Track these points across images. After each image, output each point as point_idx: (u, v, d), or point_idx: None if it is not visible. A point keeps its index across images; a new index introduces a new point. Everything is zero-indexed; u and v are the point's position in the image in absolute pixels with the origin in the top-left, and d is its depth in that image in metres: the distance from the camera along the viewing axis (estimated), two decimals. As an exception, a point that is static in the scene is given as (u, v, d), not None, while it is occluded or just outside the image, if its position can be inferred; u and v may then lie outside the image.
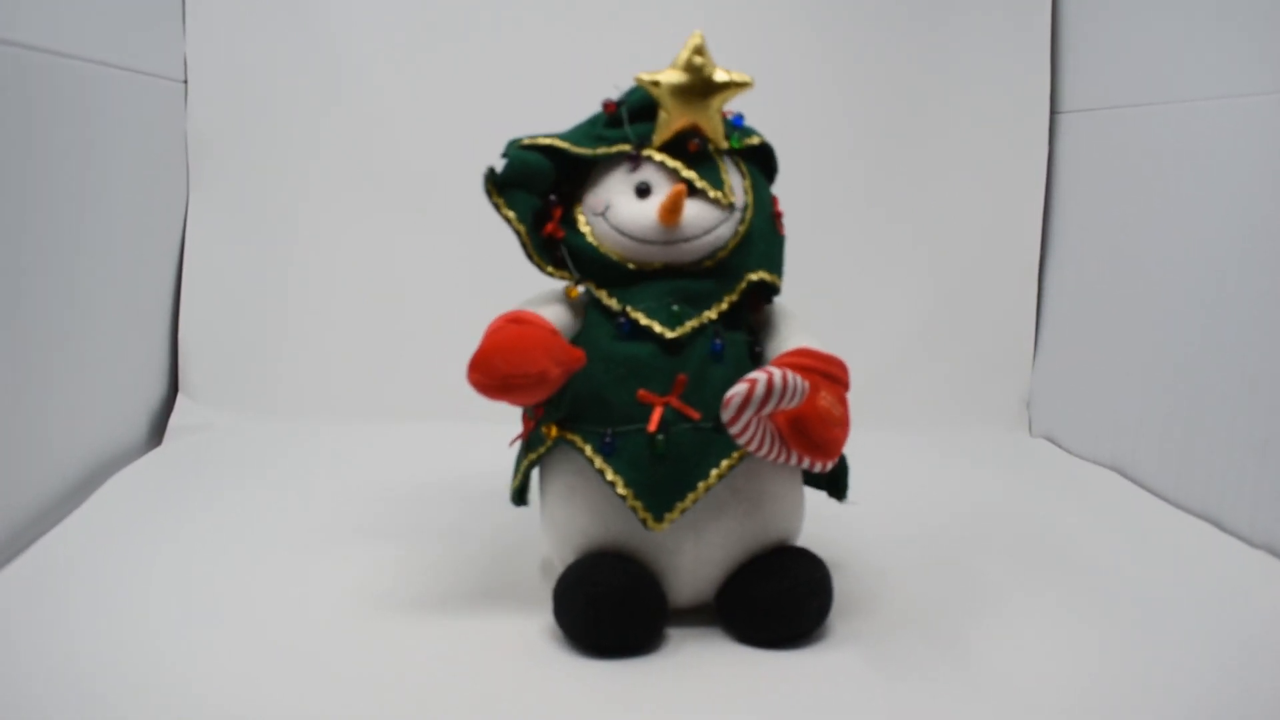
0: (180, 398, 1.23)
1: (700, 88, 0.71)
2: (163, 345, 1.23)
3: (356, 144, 1.28)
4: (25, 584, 0.78)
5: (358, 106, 1.27)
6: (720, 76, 0.71)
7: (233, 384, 1.24)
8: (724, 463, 0.69)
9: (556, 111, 0.81)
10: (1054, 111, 1.30)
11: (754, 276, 0.73)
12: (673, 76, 0.71)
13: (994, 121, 1.30)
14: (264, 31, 1.26)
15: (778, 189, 0.79)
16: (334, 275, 1.28)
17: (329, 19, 1.27)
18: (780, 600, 0.70)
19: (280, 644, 0.70)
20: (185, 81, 1.25)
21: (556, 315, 0.73)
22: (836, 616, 0.73)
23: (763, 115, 0.80)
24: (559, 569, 0.73)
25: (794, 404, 0.64)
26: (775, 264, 0.76)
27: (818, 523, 0.78)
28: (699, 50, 0.71)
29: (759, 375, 0.63)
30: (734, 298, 0.73)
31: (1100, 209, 1.21)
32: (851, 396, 0.71)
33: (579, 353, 0.68)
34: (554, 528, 0.74)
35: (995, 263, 1.32)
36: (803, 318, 0.77)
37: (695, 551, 0.71)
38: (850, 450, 0.72)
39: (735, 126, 0.77)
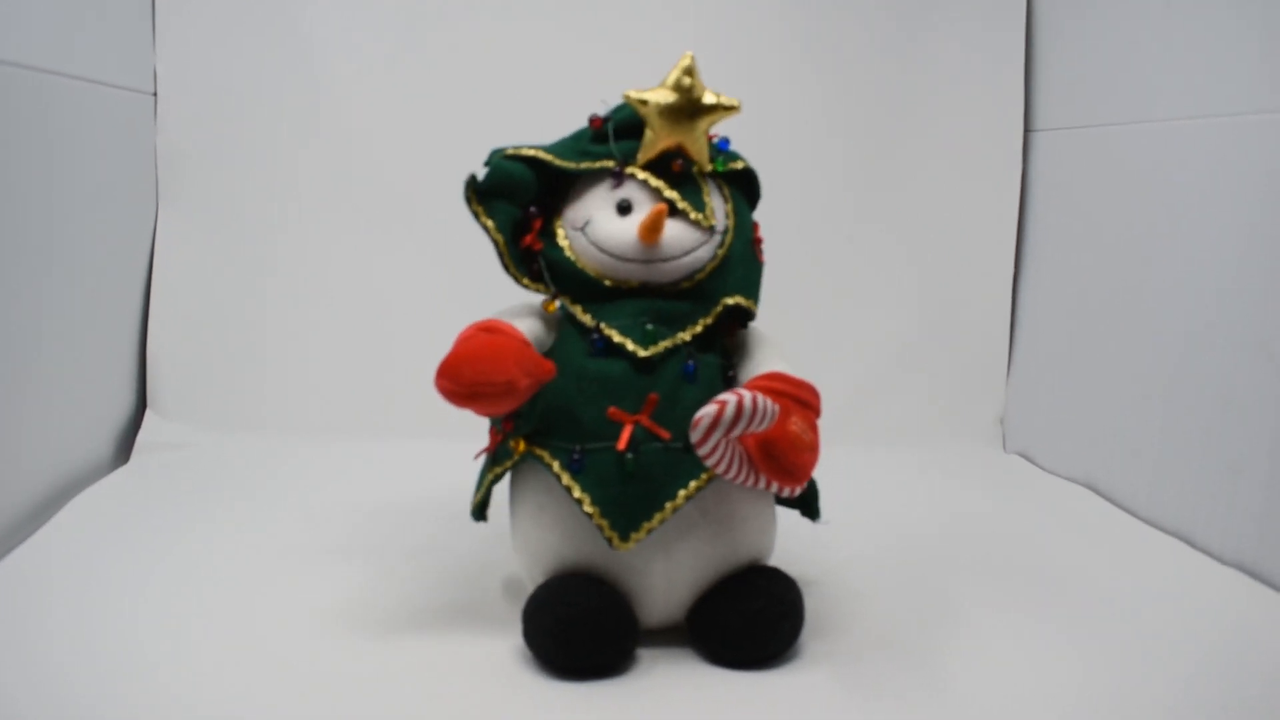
0: (148, 414, 1.21)
1: (688, 109, 0.71)
2: (131, 361, 1.22)
3: (329, 157, 1.27)
4: (-16, 606, 0.77)
5: (330, 118, 1.27)
6: (709, 99, 0.71)
7: (201, 401, 1.23)
8: (692, 484, 0.69)
9: (536, 122, 0.81)
10: (1028, 130, 1.31)
11: (730, 301, 0.73)
12: (661, 96, 0.71)
13: (968, 139, 1.31)
14: (235, 43, 1.25)
15: (759, 210, 0.79)
16: (304, 291, 1.27)
17: (302, 30, 1.26)
18: (752, 621, 0.69)
19: (248, 666, 0.69)
20: (155, 94, 1.24)
21: (530, 327, 0.73)
22: (809, 636, 0.73)
23: (742, 136, 0.80)
24: (529, 589, 0.72)
25: (764, 427, 0.64)
26: (752, 289, 0.75)
27: (790, 540, 0.78)
28: (689, 71, 0.71)
29: (729, 397, 0.63)
30: (709, 321, 0.73)
31: (1074, 227, 1.21)
32: (826, 413, 0.71)
33: (549, 365, 0.68)
34: (524, 547, 0.73)
35: (969, 280, 1.32)
36: (777, 343, 0.77)
37: (666, 572, 0.70)
38: (824, 466, 0.72)
39: (721, 150, 0.77)
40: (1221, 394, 0.94)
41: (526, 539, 0.73)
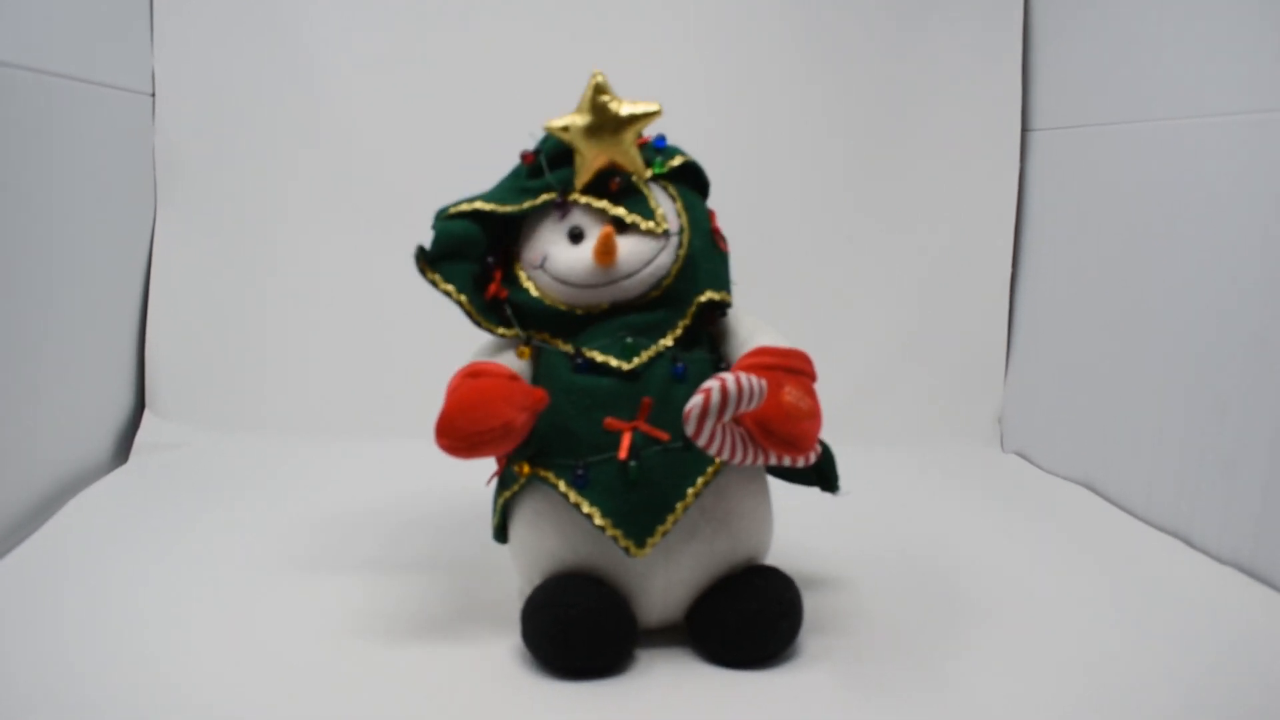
0: (147, 414, 1.21)
1: (610, 125, 0.71)
2: (129, 361, 1.22)
3: (328, 158, 1.27)
4: (-17, 607, 0.77)
5: (329, 119, 1.27)
6: (626, 110, 0.71)
7: (200, 401, 1.23)
8: (700, 480, 0.69)
9: (536, 122, 0.81)
10: (1025, 129, 1.31)
11: (703, 298, 0.73)
12: (579, 119, 0.71)
13: (966, 139, 1.31)
14: (233, 43, 1.25)
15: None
16: (303, 291, 1.27)
17: (300, 31, 1.26)
18: (751, 621, 0.69)
19: (247, 666, 0.69)
20: (153, 95, 1.24)
21: (513, 359, 0.73)
22: (807, 635, 0.73)
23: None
24: (527, 592, 0.72)
25: (755, 405, 0.64)
26: (722, 282, 0.75)
27: (788, 540, 0.78)
28: (600, 89, 0.71)
29: (712, 384, 0.62)
30: (686, 322, 0.73)
31: (1071, 227, 1.21)
32: (825, 413, 0.71)
33: (540, 393, 0.68)
34: (522, 552, 0.73)
35: (967, 280, 1.32)
36: (759, 319, 0.76)
37: (665, 573, 0.70)
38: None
39: (658, 149, 0.76)
40: (1219, 393, 0.94)
41: (524, 544, 0.73)
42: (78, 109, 1.05)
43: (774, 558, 0.75)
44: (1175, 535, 0.97)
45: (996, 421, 1.32)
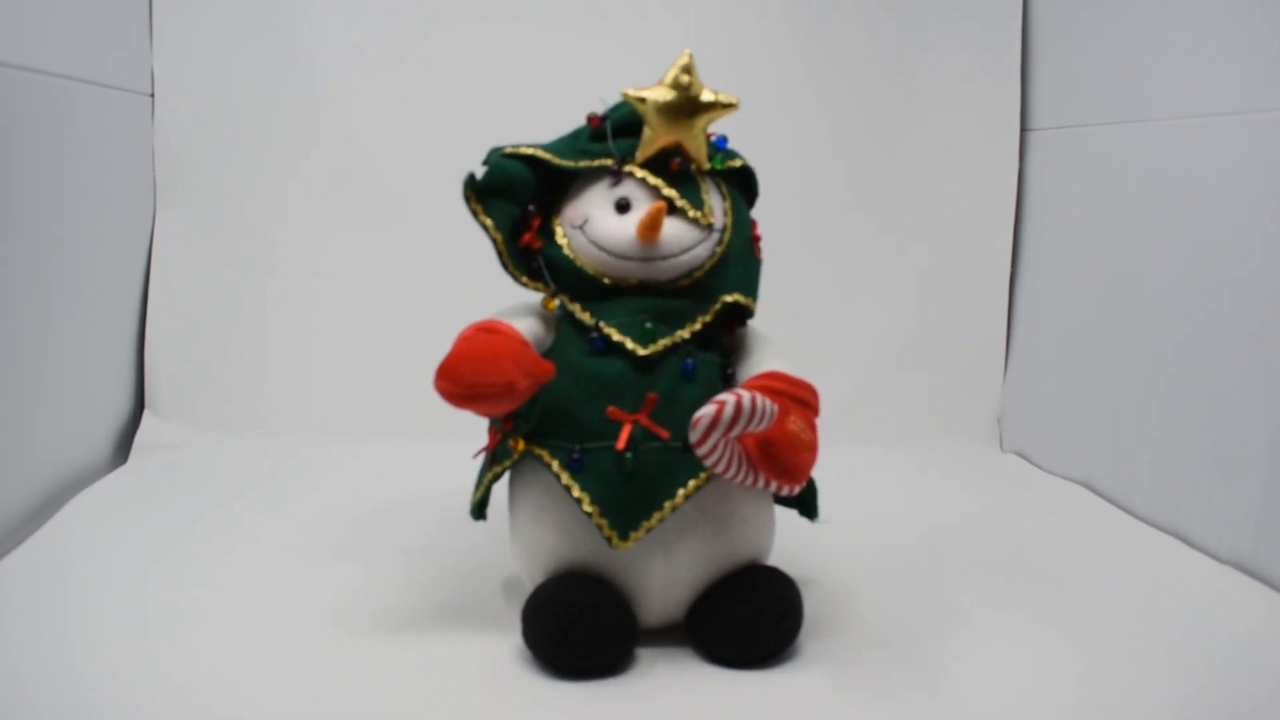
0: (146, 415, 1.21)
1: (686, 107, 0.71)
2: (129, 362, 1.22)
3: (327, 158, 1.27)
4: (-17, 607, 0.77)
5: (328, 119, 1.27)
6: (707, 96, 0.71)
7: (199, 401, 1.23)
8: (691, 483, 0.69)
9: (535, 122, 0.81)
10: (1024, 129, 1.31)
11: (729, 298, 0.73)
12: (660, 94, 0.71)
13: (964, 139, 1.31)
14: (233, 44, 1.25)
15: (756, 210, 0.79)
16: (302, 291, 1.27)
17: (299, 31, 1.26)
18: (751, 621, 0.69)
19: (246, 666, 0.69)
20: (152, 95, 1.24)
21: (528, 327, 0.73)
22: (807, 635, 0.73)
23: (741, 135, 0.80)
24: (528, 589, 0.72)
25: (762, 427, 0.64)
26: (751, 287, 0.75)
27: (788, 539, 0.78)
28: (687, 69, 0.71)
29: (728, 397, 0.63)
30: (708, 318, 0.73)
31: (1070, 226, 1.21)
32: (823, 413, 0.71)
33: (548, 365, 0.68)
34: (523, 548, 0.73)
35: (966, 280, 1.33)
36: (776, 342, 0.77)
37: (665, 572, 0.70)
38: (822, 466, 0.72)
39: (719, 148, 0.77)
40: (1218, 393, 0.94)
41: (525, 540, 0.73)
42: (77, 109, 1.05)
43: (774, 558, 0.75)
44: (1174, 535, 0.97)
45: (996, 421, 1.32)
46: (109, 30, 1.15)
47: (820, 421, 0.71)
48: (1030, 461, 1.24)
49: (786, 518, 0.77)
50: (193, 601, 0.79)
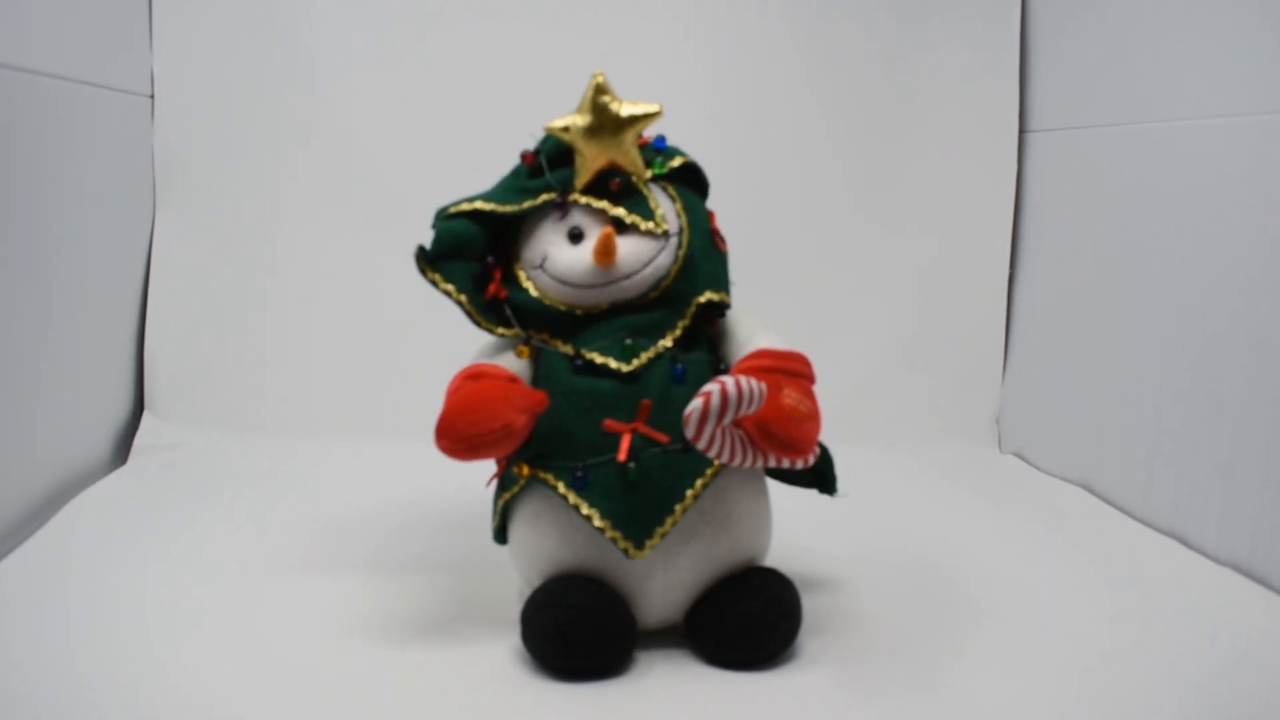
0: (146, 415, 1.21)
1: (609, 125, 0.71)
2: (128, 362, 1.22)
3: (327, 158, 1.27)
4: (-16, 608, 0.77)
5: (328, 119, 1.27)
6: (627, 111, 0.71)
7: (199, 402, 1.23)
8: (699, 482, 0.69)
9: (535, 122, 0.81)
10: (1023, 130, 1.31)
11: (702, 299, 0.73)
12: (580, 119, 0.71)
13: (963, 140, 1.31)
14: (232, 45, 1.25)
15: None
16: (302, 292, 1.27)
17: (299, 32, 1.26)
18: (750, 622, 0.70)
19: (246, 667, 0.69)
20: (152, 96, 1.24)
21: (512, 360, 0.73)
22: (806, 636, 0.73)
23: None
24: (526, 593, 0.72)
25: (755, 408, 0.64)
26: (721, 282, 0.75)
27: (787, 540, 0.78)
28: (601, 89, 0.71)
29: (712, 387, 0.63)
30: (686, 323, 0.73)
31: (1069, 228, 1.21)
32: (823, 414, 0.71)
33: (540, 395, 0.68)
34: (521, 553, 0.73)
35: (965, 281, 1.33)
36: (758, 320, 0.76)
37: (664, 574, 0.70)
38: (822, 465, 0.72)
39: (658, 150, 0.77)
40: (1216, 394, 0.94)
41: (523, 545, 0.73)
42: (77, 110, 1.06)
43: (773, 558, 0.76)
44: (1173, 536, 0.97)
45: (994, 422, 1.32)
46: (109, 31, 1.15)
47: (814, 395, 0.70)
48: (1029, 462, 1.24)
49: (786, 518, 0.77)
50: (192, 601, 0.79)
